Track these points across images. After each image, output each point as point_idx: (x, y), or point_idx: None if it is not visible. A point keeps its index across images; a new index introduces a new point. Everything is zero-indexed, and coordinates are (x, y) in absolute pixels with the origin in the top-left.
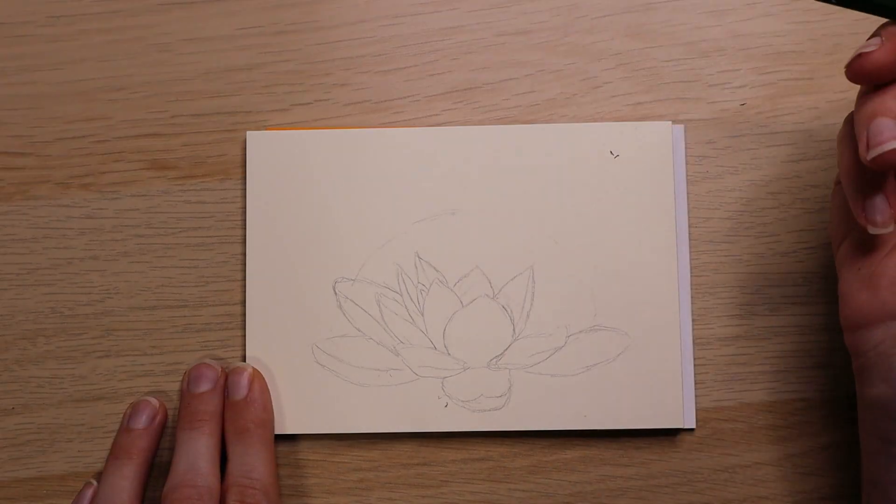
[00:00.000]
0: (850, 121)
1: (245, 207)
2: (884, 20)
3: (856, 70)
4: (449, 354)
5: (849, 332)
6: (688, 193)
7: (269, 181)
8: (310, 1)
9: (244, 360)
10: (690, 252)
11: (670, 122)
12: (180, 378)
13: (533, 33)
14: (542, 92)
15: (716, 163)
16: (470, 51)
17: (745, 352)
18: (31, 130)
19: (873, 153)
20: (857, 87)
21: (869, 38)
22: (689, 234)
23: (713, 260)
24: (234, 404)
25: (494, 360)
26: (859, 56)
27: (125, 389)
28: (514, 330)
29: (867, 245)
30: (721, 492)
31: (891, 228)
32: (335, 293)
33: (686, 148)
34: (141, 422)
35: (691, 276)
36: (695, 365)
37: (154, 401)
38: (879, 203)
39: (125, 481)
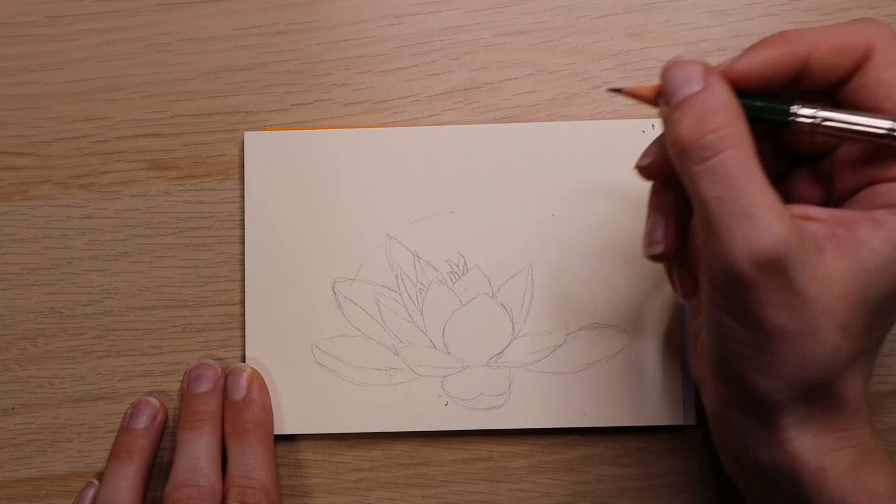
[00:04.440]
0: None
1: (245, 207)
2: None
3: (641, 174)
4: (448, 353)
5: None
6: None
7: (267, 181)
8: (310, 1)
9: (244, 360)
10: None
11: None
12: (180, 378)
13: (533, 33)
14: (542, 92)
15: None
16: (470, 51)
17: None
18: (31, 130)
19: (645, 252)
20: None
21: (647, 148)
22: None
23: None
24: (233, 404)
25: (494, 358)
26: (638, 168)
27: (125, 389)
28: (513, 328)
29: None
30: (721, 491)
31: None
32: (334, 293)
33: None
34: (142, 422)
35: None
36: None
37: (154, 401)
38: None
39: (127, 481)
